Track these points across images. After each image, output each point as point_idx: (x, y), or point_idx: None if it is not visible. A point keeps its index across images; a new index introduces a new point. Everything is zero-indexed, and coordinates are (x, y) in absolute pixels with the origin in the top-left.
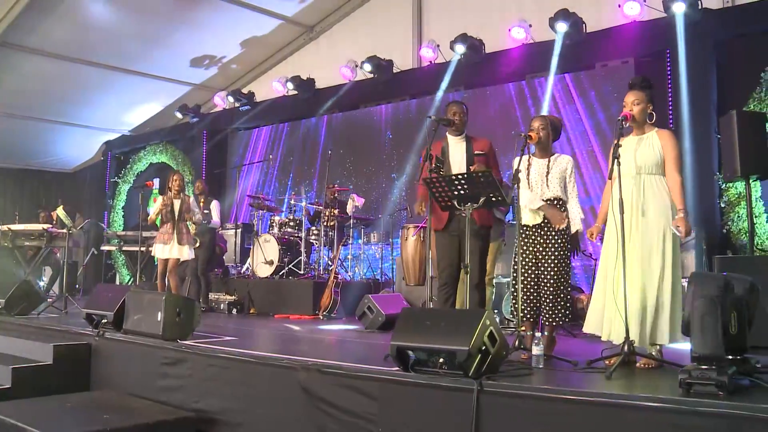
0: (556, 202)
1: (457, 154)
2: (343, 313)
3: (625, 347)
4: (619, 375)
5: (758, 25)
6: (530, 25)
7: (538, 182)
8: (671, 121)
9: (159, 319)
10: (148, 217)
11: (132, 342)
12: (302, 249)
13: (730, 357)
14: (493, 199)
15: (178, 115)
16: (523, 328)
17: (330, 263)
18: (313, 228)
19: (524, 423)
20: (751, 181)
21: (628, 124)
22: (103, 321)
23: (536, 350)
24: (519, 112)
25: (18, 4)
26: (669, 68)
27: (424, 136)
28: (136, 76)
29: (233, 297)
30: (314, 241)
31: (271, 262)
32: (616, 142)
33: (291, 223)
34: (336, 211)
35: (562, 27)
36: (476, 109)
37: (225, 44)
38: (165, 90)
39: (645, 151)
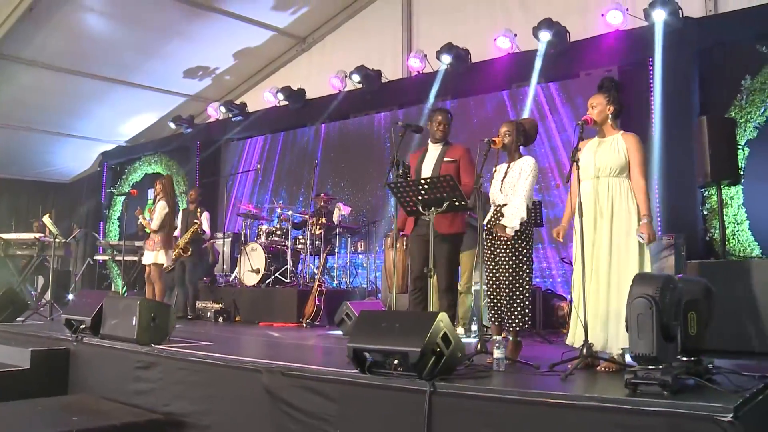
0: None
1: (430, 161)
2: (326, 321)
3: (584, 350)
4: (577, 378)
5: (740, 33)
6: (515, 35)
7: (495, 188)
8: (653, 128)
9: (134, 323)
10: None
11: (108, 346)
12: (288, 257)
13: (685, 358)
14: (456, 204)
15: (172, 125)
16: (487, 333)
17: (315, 272)
18: (300, 237)
19: (476, 423)
20: (729, 187)
21: (598, 128)
22: (81, 326)
23: (497, 353)
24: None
25: (13, 15)
26: (652, 76)
27: (414, 145)
28: (131, 88)
29: (220, 305)
30: (301, 250)
31: (257, 271)
32: (575, 145)
33: (278, 232)
34: (323, 220)
35: (545, 36)
36: (464, 118)
37: (218, 56)
38: (159, 101)
39: (606, 153)
